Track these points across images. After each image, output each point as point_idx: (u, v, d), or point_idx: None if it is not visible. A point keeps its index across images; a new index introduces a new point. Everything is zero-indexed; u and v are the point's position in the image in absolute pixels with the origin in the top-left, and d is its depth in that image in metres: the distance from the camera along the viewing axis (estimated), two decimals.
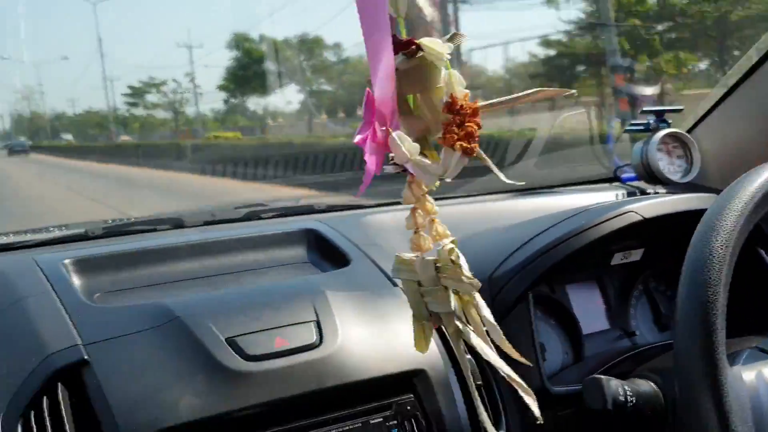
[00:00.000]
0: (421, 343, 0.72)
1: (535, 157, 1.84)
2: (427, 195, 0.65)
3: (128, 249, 1.20)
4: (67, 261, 1.12)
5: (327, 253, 1.27)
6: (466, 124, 0.60)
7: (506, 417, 1.09)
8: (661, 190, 1.59)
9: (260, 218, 1.53)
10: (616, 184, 1.75)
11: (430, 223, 0.66)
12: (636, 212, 1.19)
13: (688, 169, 1.57)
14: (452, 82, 0.62)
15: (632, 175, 1.72)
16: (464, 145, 0.60)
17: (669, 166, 1.57)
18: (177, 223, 1.48)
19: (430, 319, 0.69)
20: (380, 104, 0.60)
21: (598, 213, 1.19)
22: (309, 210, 1.57)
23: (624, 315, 1.41)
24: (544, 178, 1.80)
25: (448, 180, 0.62)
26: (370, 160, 0.59)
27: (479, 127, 0.61)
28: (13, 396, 0.87)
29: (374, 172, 0.59)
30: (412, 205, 0.66)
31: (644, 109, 1.61)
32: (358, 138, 0.59)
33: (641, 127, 1.59)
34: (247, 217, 1.53)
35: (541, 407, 1.13)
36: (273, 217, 1.54)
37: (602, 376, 1.00)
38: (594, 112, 1.90)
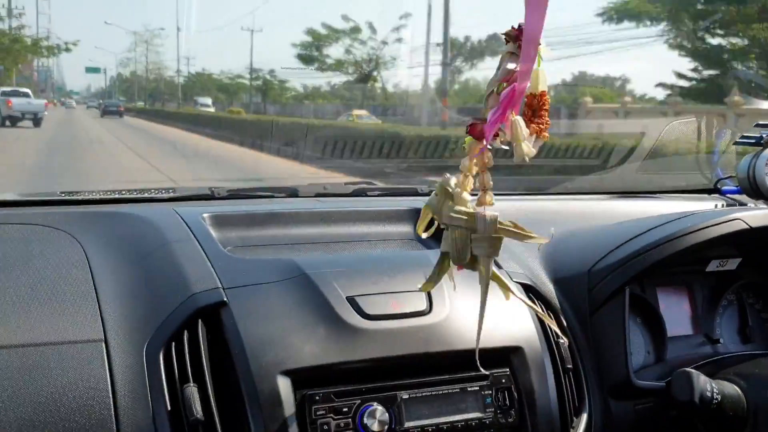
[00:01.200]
0: (431, 283, 0.93)
1: (639, 161, 1.87)
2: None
3: (257, 210, 1.33)
4: (206, 215, 1.25)
5: (434, 232, 1.36)
6: (542, 115, 0.82)
7: (590, 403, 1.16)
8: (763, 206, 1.61)
9: (367, 195, 1.63)
10: (716, 195, 1.77)
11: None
12: (743, 220, 1.23)
13: None
14: (542, 80, 0.81)
15: (733, 188, 1.74)
16: (546, 134, 0.83)
17: None
18: (292, 192, 1.60)
19: (462, 263, 0.88)
20: (520, 95, 0.79)
21: (704, 218, 1.24)
22: (413, 192, 1.67)
23: (710, 322, 1.45)
24: (644, 184, 1.83)
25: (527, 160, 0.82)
26: (490, 132, 0.81)
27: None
28: (158, 327, 1.00)
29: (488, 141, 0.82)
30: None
31: (759, 123, 1.62)
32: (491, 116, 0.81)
33: (752, 141, 1.60)
34: (356, 193, 1.64)
35: (623, 398, 1.21)
36: (379, 195, 1.64)
37: (693, 370, 1.06)
38: (705, 121, 1.89)
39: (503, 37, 0.82)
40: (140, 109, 38.02)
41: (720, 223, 1.22)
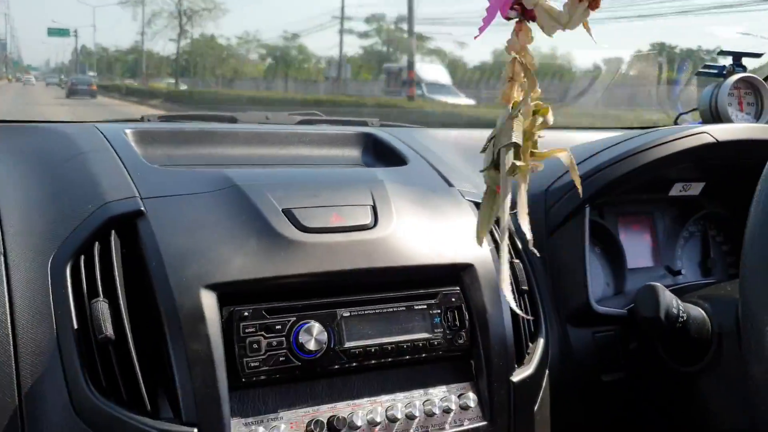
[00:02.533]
0: (483, 230, 0.68)
1: (598, 93, 1.79)
2: (528, 46, 0.63)
3: (187, 128, 1.21)
4: (128, 130, 1.13)
5: (383, 156, 1.27)
6: None
7: (547, 328, 1.08)
8: None
9: (313, 125, 1.52)
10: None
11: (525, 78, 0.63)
12: (709, 134, 1.16)
13: (758, 116, 1.52)
14: None
15: (694, 123, 1.68)
16: None
17: (737, 112, 1.52)
18: (231, 120, 1.48)
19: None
20: None
21: (668, 132, 1.17)
22: (363, 123, 1.57)
23: (671, 254, 1.39)
24: (602, 121, 1.76)
25: (570, 30, 0.59)
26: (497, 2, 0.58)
27: None
28: (65, 239, 0.88)
29: (501, 14, 0.58)
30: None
31: (722, 50, 1.55)
32: None
33: (715, 71, 1.54)
34: (302, 124, 1.53)
35: (581, 324, 1.14)
36: (326, 124, 1.54)
37: (659, 285, 0.99)
38: (666, 53, 1.82)
39: None
40: (127, 88, 26.87)
41: (686, 137, 1.15)
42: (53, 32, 34.42)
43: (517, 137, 0.62)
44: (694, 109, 1.66)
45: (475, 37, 0.63)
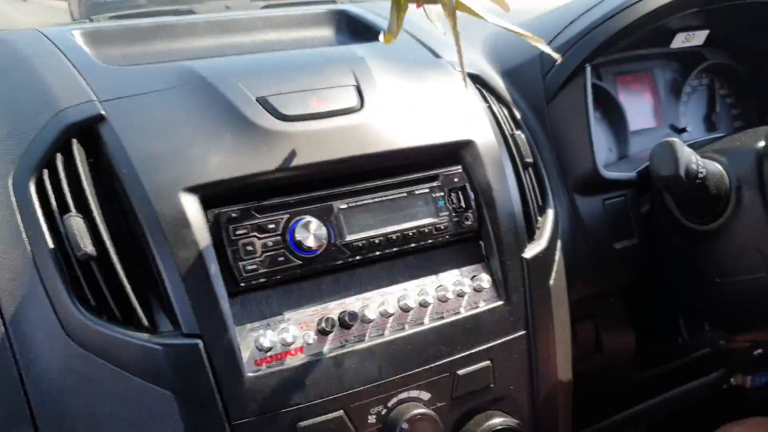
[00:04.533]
0: (392, 33, 0.72)
1: None
2: None
3: (142, 24, 1.09)
4: (75, 32, 1.01)
5: (359, 33, 1.16)
6: None
7: (554, 199, 1.02)
8: None
9: (278, 7, 1.40)
10: None
11: None
12: None
13: None
14: None
15: None
16: None
17: None
18: (188, 12, 1.36)
19: None
20: None
21: None
22: (332, 1, 1.45)
23: (674, 112, 1.32)
24: None
25: None
26: None
27: None
28: (23, 153, 0.79)
29: None
30: None
31: None
32: None
33: None
34: (266, 8, 1.41)
35: (590, 192, 1.08)
36: (292, 6, 1.41)
37: (676, 140, 0.92)
38: None
39: None
40: None
41: None
42: None
43: None
44: None
45: None
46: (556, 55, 0.78)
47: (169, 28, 1.08)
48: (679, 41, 1.22)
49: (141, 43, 1.05)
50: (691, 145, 1.15)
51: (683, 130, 1.30)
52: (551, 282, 0.95)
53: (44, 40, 0.98)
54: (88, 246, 0.74)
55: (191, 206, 0.76)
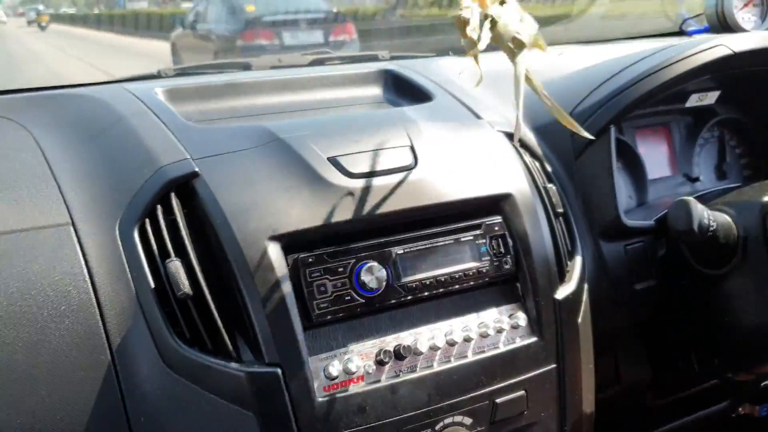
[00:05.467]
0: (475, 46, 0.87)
1: (604, 6, 1.80)
2: None
3: (213, 82, 1.23)
4: (158, 89, 1.15)
5: (405, 92, 1.29)
6: None
7: (582, 244, 1.14)
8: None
9: (326, 65, 1.54)
10: (683, 37, 1.73)
11: None
12: (727, 46, 1.19)
13: (763, 17, 1.54)
14: None
15: (699, 28, 1.70)
16: None
17: (743, 14, 1.54)
18: (245, 66, 1.50)
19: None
20: None
21: (686, 47, 1.19)
22: (374, 58, 1.58)
23: (688, 162, 1.44)
24: (610, 32, 1.77)
25: None
26: None
27: None
28: (128, 204, 0.92)
29: None
30: None
31: None
32: None
33: None
34: (314, 63, 1.54)
35: (613, 239, 1.20)
36: (338, 64, 1.55)
37: (691, 198, 1.04)
38: None
39: None
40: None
41: (704, 50, 1.18)
42: None
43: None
44: (699, 14, 1.68)
45: None
46: (588, 135, 0.91)
47: (238, 86, 1.21)
48: (694, 100, 1.35)
49: (215, 100, 1.19)
50: (703, 195, 1.27)
51: (696, 179, 1.42)
52: (579, 320, 1.07)
53: (132, 98, 1.12)
54: (186, 287, 0.86)
55: (274, 252, 0.89)
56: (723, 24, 1.54)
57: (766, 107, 1.43)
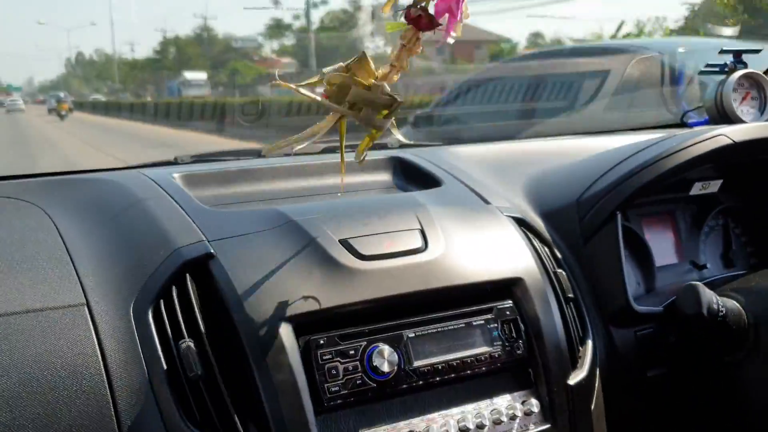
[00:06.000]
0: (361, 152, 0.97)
1: (606, 98, 1.86)
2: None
3: (228, 168, 1.26)
4: (176, 174, 1.18)
5: (415, 178, 1.32)
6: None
7: (593, 331, 1.14)
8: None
9: (336, 152, 1.58)
10: (684, 128, 1.77)
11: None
12: (727, 136, 1.22)
13: (762, 108, 1.59)
14: None
15: (700, 119, 1.74)
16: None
17: (742, 106, 1.59)
18: (258, 153, 1.54)
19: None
20: None
21: (687, 137, 1.23)
22: (383, 146, 1.62)
23: (694, 249, 1.45)
24: (612, 123, 1.83)
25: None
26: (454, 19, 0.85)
27: None
28: (143, 285, 0.93)
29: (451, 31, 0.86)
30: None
31: (723, 49, 1.63)
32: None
33: (717, 69, 1.61)
34: (325, 151, 1.58)
35: (623, 325, 1.20)
36: (349, 151, 1.59)
37: (699, 283, 1.05)
38: (668, 55, 1.89)
39: None
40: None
41: (705, 140, 1.21)
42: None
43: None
44: (699, 107, 1.73)
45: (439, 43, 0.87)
46: (402, 138, 1.02)
47: (253, 172, 1.25)
48: (697, 189, 1.38)
49: (230, 185, 1.22)
50: (711, 282, 1.28)
51: (703, 266, 1.43)
52: (592, 407, 1.06)
53: (149, 182, 1.15)
54: (198, 369, 0.86)
55: (286, 334, 0.89)
56: (723, 116, 1.59)
57: (766, 197, 1.46)
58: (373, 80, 0.88)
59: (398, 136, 0.98)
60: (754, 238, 1.51)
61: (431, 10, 0.85)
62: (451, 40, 0.88)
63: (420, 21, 0.85)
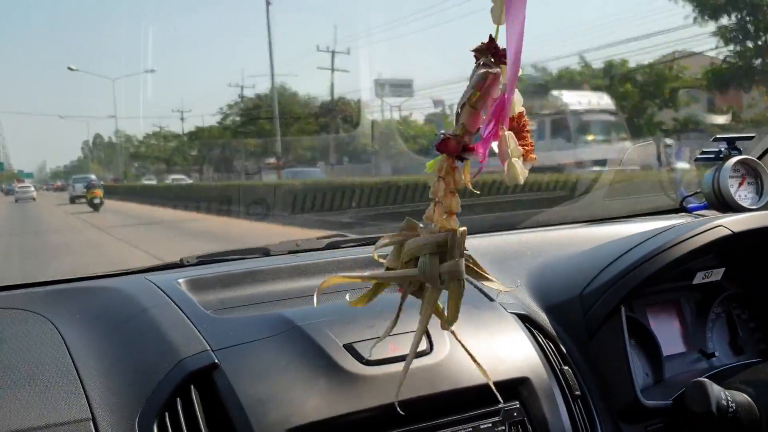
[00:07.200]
0: (364, 300, 0.87)
1: (605, 187, 1.89)
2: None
3: (232, 270, 1.28)
4: (181, 280, 1.20)
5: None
6: (525, 136, 0.74)
7: (602, 427, 1.12)
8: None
9: (341, 247, 1.60)
10: (683, 214, 1.79)
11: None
12: (725, 226, 1.23)
13: (759, 193, 1.61)
14: (518, 100, 0.74)
15: (699, 204, 1.76)
16: (533, 155, 0.75)
17: (740, 192, 1.61)
18: (264, 252, 1.55)
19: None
20: (507, 104, 0.71)
21: (687, 228, 1.24)
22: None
23: (701, 337, 1.44)
24: (612, 211, 1.85)
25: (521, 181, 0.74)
26: (484, 150, 0.72)
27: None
28: (148, 398, 0.93)
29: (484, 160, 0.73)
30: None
31: (717, 136, 1.66)
32: (484, 131, 0.72)
33: (712, 156, 1.64)
34: (330, 246, 1.60)
35: (632, 420, 1.18)
36: (353, 246, 1.61)
37: (705, 380, 1.04)
38: (663, 142, 1.93)
39: (473, 54, 0.73)
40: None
41: (704, 231, 1.23)
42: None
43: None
44: (697, 192, 1.76)
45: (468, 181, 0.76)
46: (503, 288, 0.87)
47: (257, 274, 1.26)
48: (700, 278, 1.38)
49: (235, 288, 1.23)
50: (720, 372, 1.26)
51: (712, 354, 1.41)
52: None
53: (155, 289, 1.16)
54: None
55: None
56: (721, 201, 1.61)
57: None
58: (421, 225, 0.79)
59: (498, 286, 0.86)
60: (761, 324, 1.50)
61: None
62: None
63: (448, 145, 0.73)
